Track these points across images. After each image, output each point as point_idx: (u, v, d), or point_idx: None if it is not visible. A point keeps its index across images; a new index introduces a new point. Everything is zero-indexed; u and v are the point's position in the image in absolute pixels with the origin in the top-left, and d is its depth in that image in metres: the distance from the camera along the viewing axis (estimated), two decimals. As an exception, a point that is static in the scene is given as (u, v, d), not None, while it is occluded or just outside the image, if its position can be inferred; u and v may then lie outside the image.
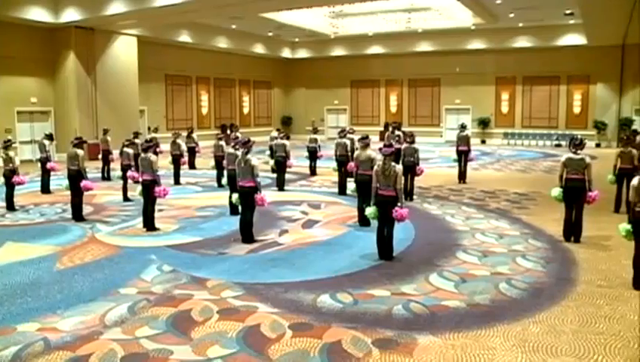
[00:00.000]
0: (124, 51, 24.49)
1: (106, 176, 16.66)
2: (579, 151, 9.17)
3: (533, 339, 5.44)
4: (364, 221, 10.17)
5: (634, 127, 27.14)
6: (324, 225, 10.68)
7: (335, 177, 14.91)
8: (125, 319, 6.02)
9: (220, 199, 12.87)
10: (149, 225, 10.25)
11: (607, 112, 28.81)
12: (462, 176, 16.14)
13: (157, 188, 10.05)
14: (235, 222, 9.92)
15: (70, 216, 11.31)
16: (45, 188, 14.49)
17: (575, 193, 9.07)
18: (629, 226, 6.96)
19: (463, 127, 16.03)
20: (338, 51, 33.81)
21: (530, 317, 6.00)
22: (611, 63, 28.20)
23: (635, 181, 7.00)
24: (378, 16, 26.93)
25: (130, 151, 13.32)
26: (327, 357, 5.09)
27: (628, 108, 28.54)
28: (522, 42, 29.38)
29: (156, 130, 21.61)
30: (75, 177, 11.07)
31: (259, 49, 32.36)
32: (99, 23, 22.24)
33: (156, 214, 10.55)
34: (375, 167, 8.32)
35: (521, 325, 5.79)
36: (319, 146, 17.83)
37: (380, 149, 8.30)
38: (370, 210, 8.23)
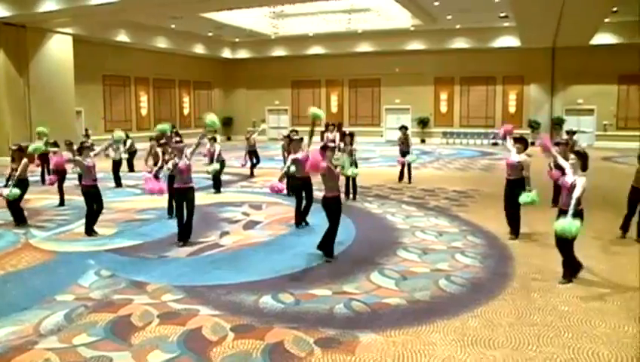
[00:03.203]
0: (58, 50, 23.71)
1: (45, 180, 16.12)
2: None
3: (471, 333, 5.58)
4: (300, 223, 10.37)
5: (565, 125, 28.31)
6: (265, 226, 10.66)
7: (277, 178, 14.82)
8: (62, 327, 5.85)
9: (159, 202, 12.62)
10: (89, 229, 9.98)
11: (540, 112, 29.85)
12: (408, 177, 16.23)
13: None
14: (175, 225, 9.75)
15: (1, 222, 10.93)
16: None
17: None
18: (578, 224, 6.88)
19: (405, 128, 16.23)
20: (279, 52, 33.77)
21: (468, 311, 6.16)
22: (543, 65, 29.34)
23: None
24: (318, 17, 27.05)
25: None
26: (270, 358, 5.09)
27: (559, 107, 29.73)
28: (460, 43, 30.08)
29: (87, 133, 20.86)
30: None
31: (199, 49, 32.00)
32: (30, 20, 21.46)
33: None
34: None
35: (460, 320, 5.93)
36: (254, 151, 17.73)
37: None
38: None
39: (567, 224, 6.68)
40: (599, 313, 6.10)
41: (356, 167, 12.76)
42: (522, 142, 9.37)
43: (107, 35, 25.73)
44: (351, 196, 13.19)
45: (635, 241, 9.15)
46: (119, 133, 12.02)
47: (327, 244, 8.25)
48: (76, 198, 10.94)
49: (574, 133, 13.75)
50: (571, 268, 7.17)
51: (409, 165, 16.19)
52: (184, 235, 9.19)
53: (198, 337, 5.56)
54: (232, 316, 6.07)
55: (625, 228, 9.46)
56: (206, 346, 5.35)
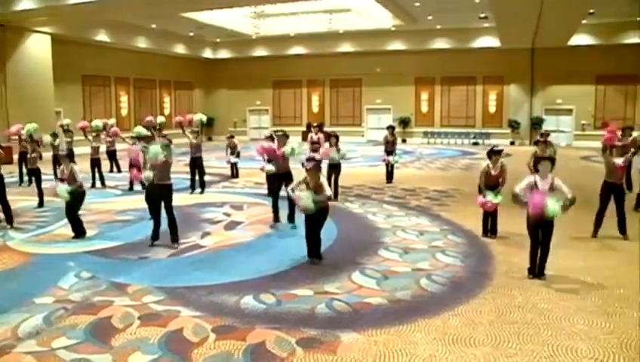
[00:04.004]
0: (37, 50, 23.38)
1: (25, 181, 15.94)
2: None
3: (452, 332, 5.62)
4: (278, 220, 10.57)
5: (544, 125, 28.66)
6: (246, 227, 10.63)
7: (258, 178, 14.89)
8: (41, 330, 5.78)
9: (139, 202, 12.53)
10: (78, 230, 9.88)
11: (520, 111, 30.15)
12: (389, 176, 16.32)
13: None
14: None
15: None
16: None
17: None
18: None
19: (392, 128, 16.36)
20: (260, 52, 33.71)
21: (449, 310, 6.20)
22: (523, 65, 29.66)
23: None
24: (300, 17, 27.03)
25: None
26: (251, 359, 5.09)
27: (538, 107, 30.05)
28: (440, 44, 30.25)
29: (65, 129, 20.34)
30: None
31: (180, 49, 31.84)
32: (8, 19, 21.18)
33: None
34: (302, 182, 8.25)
35: (441, 319, 5.97)
36: (238, 152, 17.69)
37: (303, 165, 8.18)
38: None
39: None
40: (578, 310, 6.17)
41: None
42: (498, 154, 9.45)
43: (87, 34, 25.46)
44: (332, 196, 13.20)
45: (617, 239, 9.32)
46: (97, 123, 12.34)
47: (318, 248, 8.25)
48: (56, 199, 10.80)
49: (548, 134, 14.89)
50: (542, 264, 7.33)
51: (392, 165, 16.27)
52: (156, 237, 9.18)
53: (179, 338, 5.54)
54: (213, 317, 6.05)
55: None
56: (187, 347, 5.32)
